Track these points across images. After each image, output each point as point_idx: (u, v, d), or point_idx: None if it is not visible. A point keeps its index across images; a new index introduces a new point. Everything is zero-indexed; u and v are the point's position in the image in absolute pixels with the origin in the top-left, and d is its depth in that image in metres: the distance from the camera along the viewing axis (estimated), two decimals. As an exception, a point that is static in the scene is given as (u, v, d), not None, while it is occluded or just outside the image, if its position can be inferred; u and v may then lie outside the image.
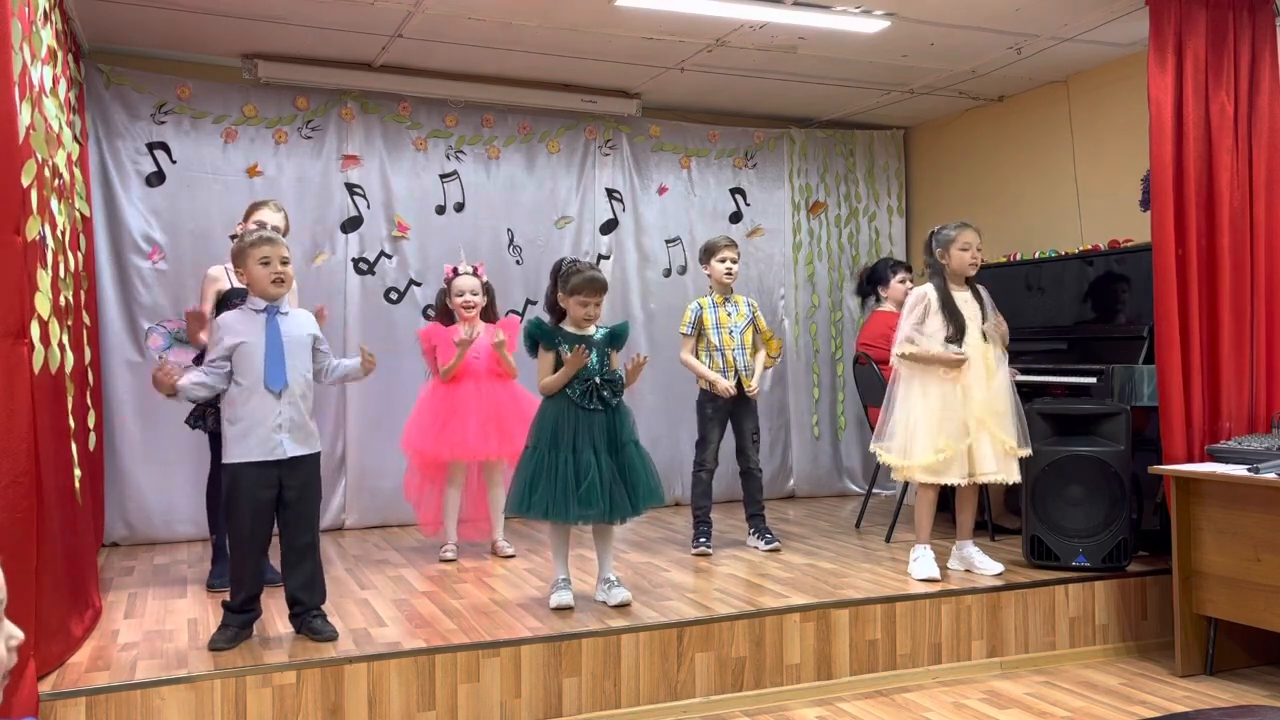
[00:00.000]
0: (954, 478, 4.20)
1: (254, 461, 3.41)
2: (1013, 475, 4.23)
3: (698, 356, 4.86)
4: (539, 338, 3.86)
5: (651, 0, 4.62)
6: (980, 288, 4.38)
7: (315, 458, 3.55)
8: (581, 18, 4.87)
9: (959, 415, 4.17)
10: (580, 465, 3.73)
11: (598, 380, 3.81)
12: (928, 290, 4.34)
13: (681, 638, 3.63)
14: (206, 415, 4.12)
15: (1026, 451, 4.24)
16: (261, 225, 3.95)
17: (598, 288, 3.86)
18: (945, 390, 4.21)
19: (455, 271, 4.80)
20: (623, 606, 3.81)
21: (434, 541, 5.01)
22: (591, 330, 3.92)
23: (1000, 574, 4.23)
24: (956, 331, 4.22)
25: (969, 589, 4.07)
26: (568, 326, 3.90)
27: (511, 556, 4.82)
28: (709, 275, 4.92)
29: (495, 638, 3.47)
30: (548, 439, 3.79)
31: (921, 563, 4.23)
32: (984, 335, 4.25)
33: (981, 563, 4.30)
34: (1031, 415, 4.33)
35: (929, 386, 4.24)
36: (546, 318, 4.02)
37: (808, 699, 3.73)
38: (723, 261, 4.85)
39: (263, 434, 3.42)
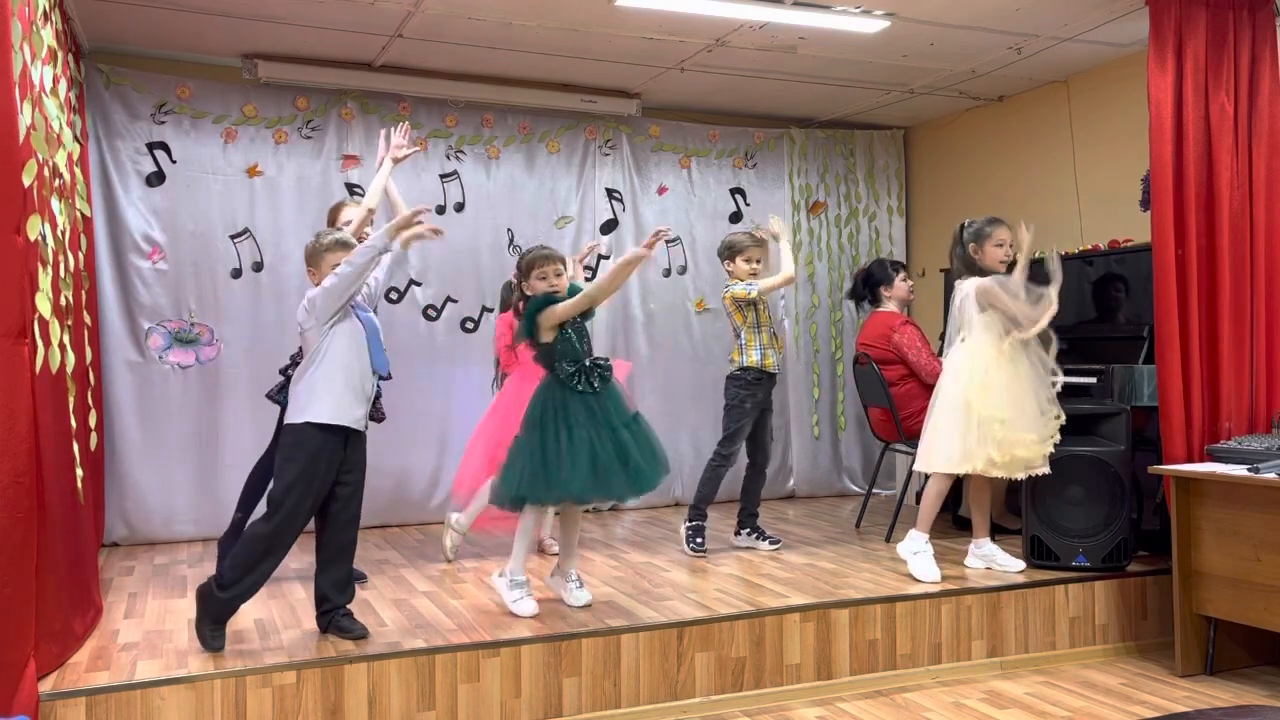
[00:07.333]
0: (966, 468, 4.19)
1: (332, 424, 3.38)
2: (1031, 467, 4.17)
3: (750, 330, 4.80)
4: (544, 305, 3.71)
5: (651, 0, 4.62)
6: None
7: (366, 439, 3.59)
8: (581, 18, 4.87)
9: (977, 412, 4.14)
10: (599, 445, 3.64)
11: (587, 364, 3.73)
12: (984, 280, 4.24)
13: (681, 638, 3.63)
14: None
15: (1045, 447, 4.17)
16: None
17: (549, 256, 3.78)
18: (970, 387, 4.18)
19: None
20: (585, 608, 3.80)
21: (433, 541, 5.01)
22: None
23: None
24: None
25: (969, 589, 4.08)
26: None
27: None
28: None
29: (495, 638, 3.47)
30: (563, 419, 3.66)
31: (923, 560, 4.21)
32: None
33: (1004, 560, 4.30)
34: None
35: (954, 384, 4.23)
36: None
37: (808, 699, 3.73)
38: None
39: (351, 400, 3.43)
